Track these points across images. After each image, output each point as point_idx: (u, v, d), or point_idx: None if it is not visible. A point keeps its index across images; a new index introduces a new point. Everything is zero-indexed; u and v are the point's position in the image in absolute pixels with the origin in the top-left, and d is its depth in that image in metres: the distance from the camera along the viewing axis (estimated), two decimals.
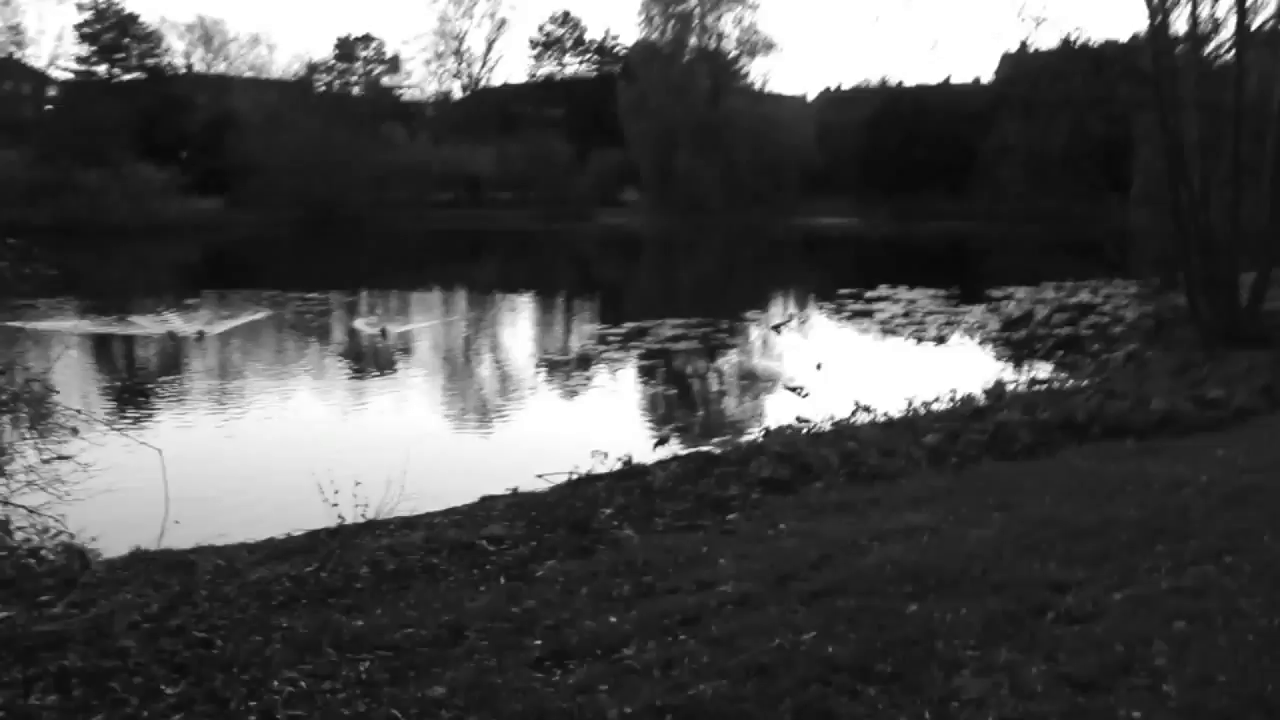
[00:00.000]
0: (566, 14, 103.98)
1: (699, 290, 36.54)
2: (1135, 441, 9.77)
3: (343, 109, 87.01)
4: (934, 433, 10.21)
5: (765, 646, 5.21)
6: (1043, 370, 17.34)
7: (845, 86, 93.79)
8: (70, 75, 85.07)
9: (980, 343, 20.99)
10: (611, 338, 22.28)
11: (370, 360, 19.88)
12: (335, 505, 8.60)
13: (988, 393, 13.30)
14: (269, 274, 42.02)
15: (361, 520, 8.52)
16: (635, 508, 8.34)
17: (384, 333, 22.06)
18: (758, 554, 6.73)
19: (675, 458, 10.80)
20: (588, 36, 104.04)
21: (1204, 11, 17.35)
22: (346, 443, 13.48)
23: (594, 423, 15.11)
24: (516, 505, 8.90)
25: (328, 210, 71.98)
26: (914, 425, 10.79)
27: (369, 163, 76.52)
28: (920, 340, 21.76)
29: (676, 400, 16.96)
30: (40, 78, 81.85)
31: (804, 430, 10.90)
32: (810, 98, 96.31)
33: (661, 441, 11.21)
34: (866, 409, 12.29)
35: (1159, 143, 17.41)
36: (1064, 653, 5.01)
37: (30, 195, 61.42)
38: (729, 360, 20.07)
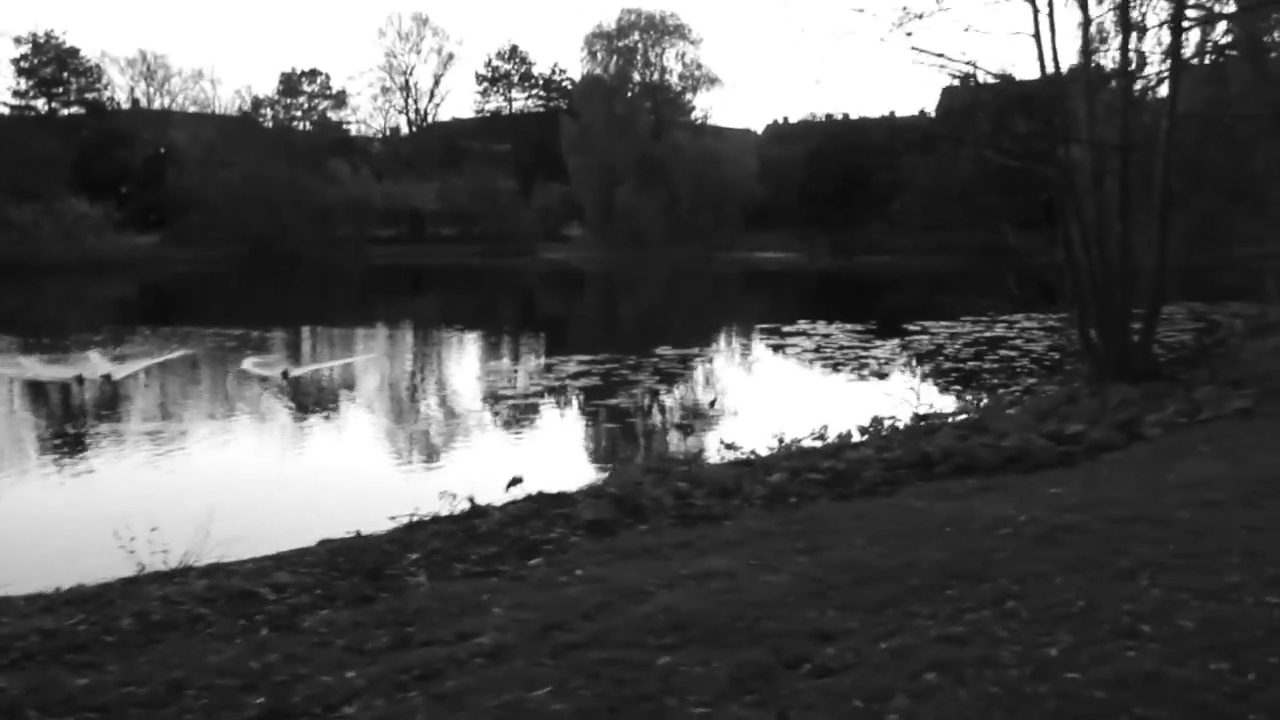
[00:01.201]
0: (514, 48, 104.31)
1: (624, 325, 36.46)
2: (980, 479, 9.59)
3: (286, 144, 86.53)
4: (781, 471, 9.98)
5: (491, 703, 4.94)
6: (939, 404, 17.20)
7: (793, 120, 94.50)
8: (5, 110, 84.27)
9: (879, 378, 20.86)
10: (522, 373, 22.05)
11: (256, 403, 19.39)
12: (133, 552, 8.30)
13: (862, 429, 13.12)
14: (201, 311, 41.70)
15: (164, 568, 8.21)
16: (445, 552, 8.03)
17: (285, 374, 21.55)
18: (537, 602, 6.45)
19: (526, 498, 10.49)
20: (535, 71, 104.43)
21: (1098, 47, 17.41)
22: (195, 487, 13.11)
23: (472, 461, 14.84)
24: (337, 550, 8.55)
25: (267, 246, 71.44)
26: (765, 463, 10.55)
27: (310, 198, 76.05)
28: (824, 374, 21.68)
29: (562, 438, 16.69)
30: None
31: (649, 469, 10.63)
32: (759, 131, 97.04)
33: (514, 482, 10.87)
34: (731, 446, 12.07)
35: (1051, 178, 17.39)
36: (798, 709, 4.75)
37: None
38: (629, 396, 19.85)
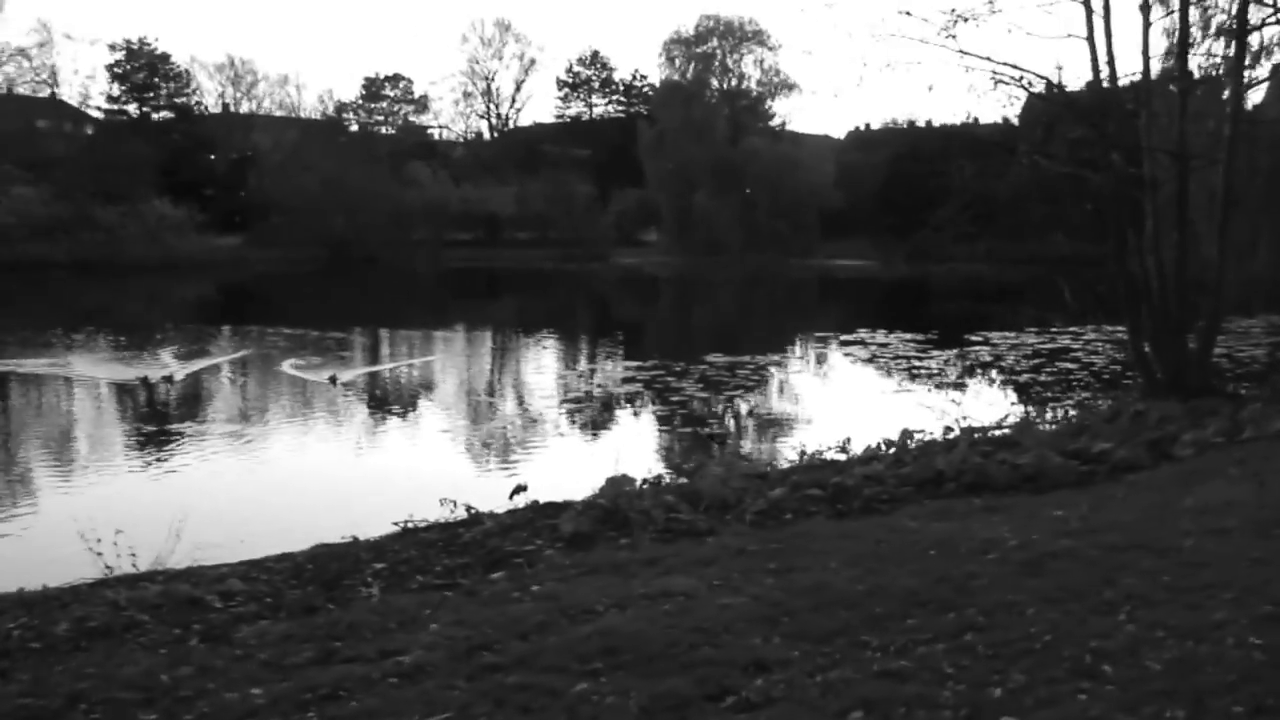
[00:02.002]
0: (595, 54, 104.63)
1: (683, 332, 36.11)
2: (988, 498, 9.15)
3: (367, 148, 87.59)
4: (785, 485, 9.62)
5: None
6: (983, 417, 16.61)
7: (874, 126, 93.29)
8: (101, 114, 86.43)
9: (931, 389, 20.26)
10: (572, 378, 21.85)
11: (299, 407, 19.33)
12: (100, 555, 8.19)
13: (889, 443, 12.66)
14: (277, 312, 42.24)
15: (135, 570, 8.11)
16: (413, 562, 7.82)
17: (333, 379, 21.43)
18: (478, 619, 6.18)
19: (526, 506, 10.25)
20: (616, 77, 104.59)
21: (1155, 49, 16.75)
22: (213, 489, 13.14)
23: (504, 466, 14.64)
24: (312, 557, 8.39)
25: (345, 249, 72.24)
26: (775, 477, 10.19)
27: (388, 201, 76.75)
28: (869, 385, 21.18)
29: (590, 445, 16.43)
30: (73, 116, 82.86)
31: (647, 481, 10.30)
32: (841, 137, 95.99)
33: (518, 490, 10.63)
34: (745, 458, 11.73)
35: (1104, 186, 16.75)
36: None
37: (47, 231, 62.22)
38: (664, 405, 19.56)
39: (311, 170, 76.73)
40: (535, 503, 9.99)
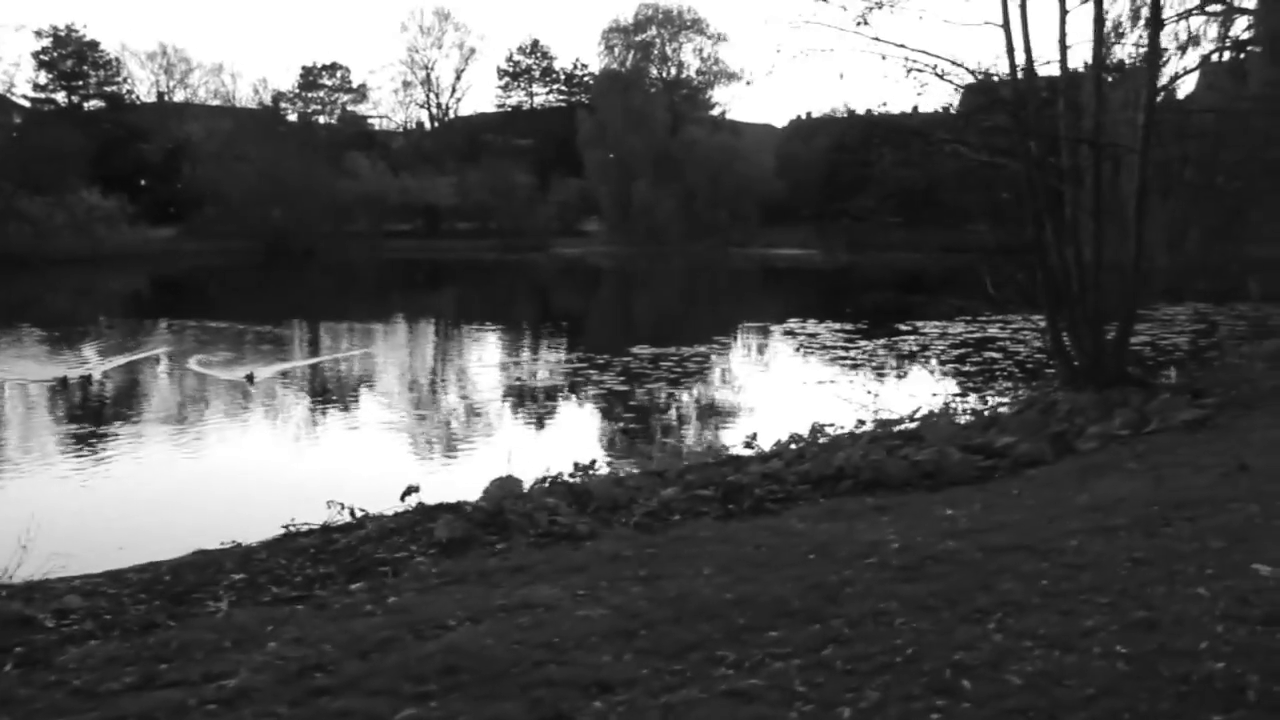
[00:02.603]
0: (535, 43, 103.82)
1: (611, 323, 35.81)
2: (881, 497, 8.92)
3: (304, 138, 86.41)
4: (676, 485, 9.33)
5: None
6: (902, 408, 16.43)
7: (816, 116, 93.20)
8: (28, 103, 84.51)
9: (853, 381, 20.06)
10: (498, 373, 21.49)
11: (211, 406, 18.71)
12: None
13: (796, 437, 12.43)
14: (208, 305, 41.50)
15: None
16: (274, 572, 7.44)
17: (250, 378, 20.74)
18: (319, 636, 5.82)
19: (415, 508, 9.88)
20: (557, 66, 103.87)
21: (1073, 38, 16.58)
22: (93, 493, 12.67)
23: (407, 463, 14.28)
24: (174, 568, 7.98)
25: (282, 240, 71.26)
26: (664, 475, 9.90)
27: (326, 192, 75.77)
28: (792, 377, 20.98)
29: (505, 440, 16.04)
30: None
31: (542, 480, 9.97)
32: (781, 126, 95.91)
33: (409, 491, 10.25)
34: (646, 457, 11.43)
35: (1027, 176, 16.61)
36: None
37: None
38: (582, 399, 19.22)
39: (247, 160, 75.59)
40: (421, 505, 9.63)
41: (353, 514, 9.65)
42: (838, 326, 28.53)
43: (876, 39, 15.50)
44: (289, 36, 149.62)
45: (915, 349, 24.40)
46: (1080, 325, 16.51)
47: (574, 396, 19.04)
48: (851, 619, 5.77)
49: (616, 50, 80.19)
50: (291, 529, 9.42)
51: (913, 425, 13.18)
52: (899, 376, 20.12)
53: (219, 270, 61.75)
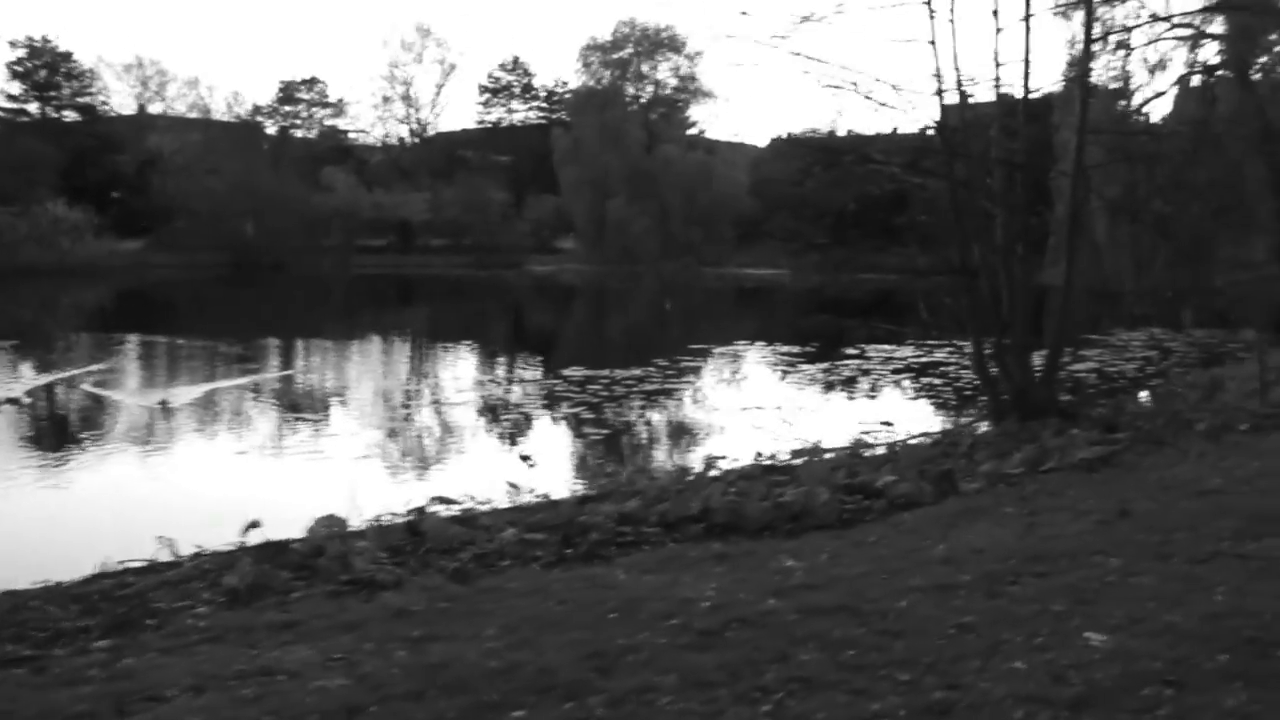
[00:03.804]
0: (516, 60, 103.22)
1: (555, 345, 35.12)
2: (732, 543, 8.23)
3: (279, 152, 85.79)
4: (518, 526, 8.63)
5: None
6: (827, 439, 15.73)
7: (795, 134, 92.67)
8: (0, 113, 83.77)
9: (776, 408, 19.29)
10: (425, 393, 20.79)
11: (112, 434, 17.86)
12: None
13: (682, 472, 11.76)
14: (165, 319, 40.85)
15: None
16: (29, 624, 6.71)
17: (164, 404, 19.63)
18: (4, 710, 5.13)
19: (238, 548, 9.06)
20: (537, 83, 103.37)
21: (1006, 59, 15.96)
22: None
23: (291, 492, 13.52)
24: None
25: (252, 254, 70.57)
26: (523, 510, 9.21)
27: (296, 206, 75.11)
28: (715, 403, 20.29)
29: (398, 466, 15.34)
30: None
31: (380, 517, 9.26)
32: (762, 146, 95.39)
33: (251, 526, 9.54)
34: (529, 490, 10.72)
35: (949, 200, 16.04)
36: None
37: None
38: (493, 422, 18.52)
39: (218, 173, 74.85)
40: (269, 542, 8.88)
41: (173, 552, 8.98)
42: (785, 349, 27.85)
43: (797, 54, 14.95)
44: (268, 51, 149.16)
45: (855, 374, 23.72)
46: (1007, 353, 15.90)
47: (485, 420, 18.33)
48: (614, 696, 5.07)
49: (594, 68, 79.78)
50: (108, 569, 8.75)
51: (830, 456, 12.55)
52: (826, 403, 19.38)
53: (183, 284, 61.02)
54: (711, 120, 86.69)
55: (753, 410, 18.80)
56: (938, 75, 15.78)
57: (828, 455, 12.12)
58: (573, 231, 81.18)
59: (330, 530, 8.47)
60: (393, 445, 16.99)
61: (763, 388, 22.74)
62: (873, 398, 21.22)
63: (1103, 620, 5.90)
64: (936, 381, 22.11)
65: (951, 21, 15.67)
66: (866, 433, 15.46)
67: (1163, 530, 7.68)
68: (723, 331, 33.24)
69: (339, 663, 5.67)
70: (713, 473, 11.00)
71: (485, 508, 10.11)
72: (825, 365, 25.00)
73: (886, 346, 26.58)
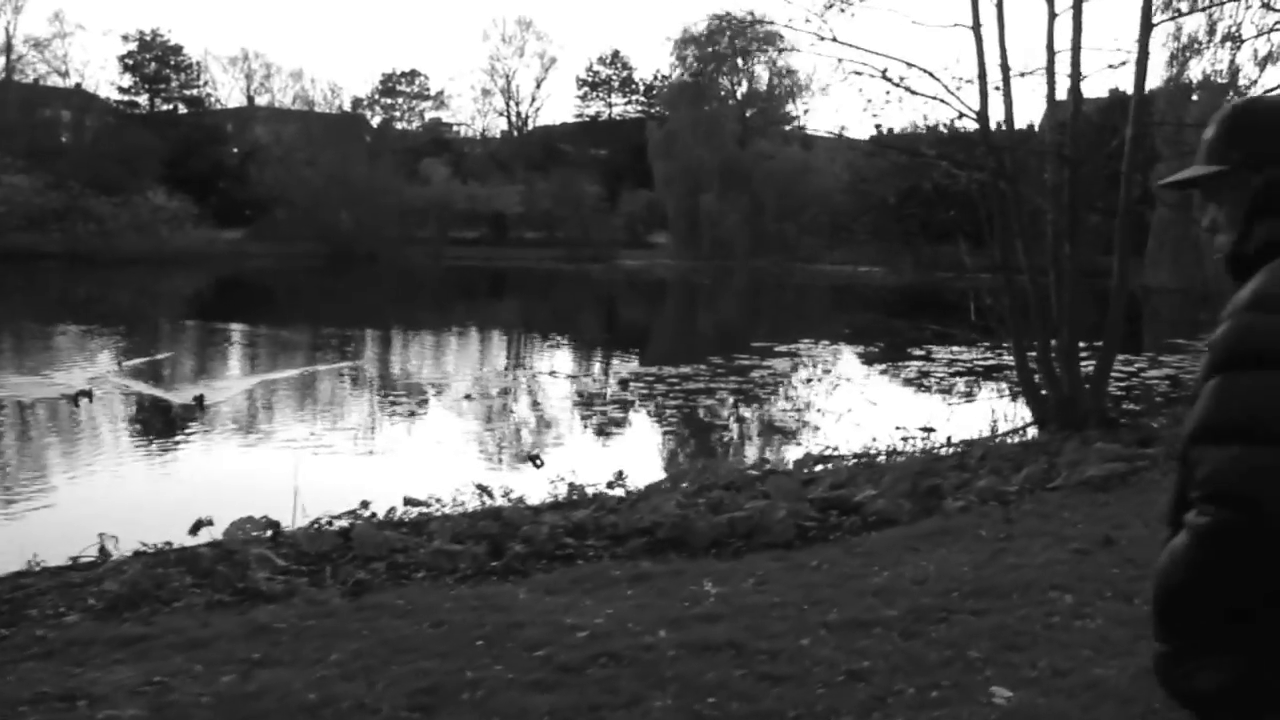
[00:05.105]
0: (615, 54, 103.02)
1: (631, 339, 34.49)
2: (668, 560, 7.55)
3: (377, 144, 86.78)
4: (447, 535, 8.07)
5: None
6: (853, 444, 14.88)
7: (896, 130, 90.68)
8: (113, 105, 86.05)
9: (811, 411, 18.39)
10: (477, 386, 20.46)
11: (139, 432, 17.60)
12: None
13: (675, 479, 11.09)
14: (253, 308, 41.41)
15: None
16: None
17: (199, 400, 19.17)
18: None
19: (154, 552, 8.57)
20: (636, 77, 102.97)
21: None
22: None
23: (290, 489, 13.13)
24: None
25: (347, 244, 71.36)
26: (445, 522, 8.65)
27: (394, 198, 75.84)
28: (752, 404, 19.49)
29: (393, 462, 14.86)
30: (81, 106, 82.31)
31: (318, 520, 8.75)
32: (865, 139, 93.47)
33: (200, 525, 9.14)
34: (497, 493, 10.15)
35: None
36: None
37: (39, 222, 61.68)
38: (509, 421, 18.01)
39: (316, 165, 75.90)
40: (216, 544, 8.44)
41: (101, 551, 8.61)
42: (848, 349, 26.88)
43: (820, 37, 14.15)
44: (371, 44, 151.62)
45: (913, 376, 22.70)
46: (1048, 358, 14.92)
47: (537, 417, 17.77)
48: None
49: (688, 60, 78.79)
50: (32, 567, 8.41)
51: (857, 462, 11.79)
52: (866, 407, 18.34)
53: (278, 273, 61.85)
54: (810, 114, 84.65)
55: (791, 413, 18.00)
56: (980, 61, 14.90)
57: (827, 464, 11.31)
58: (665, 226, 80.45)
59: (246, 534, 7.97)
60: (444, 436, 16.53)
61: (809, 390, 21.86)
62: (924, 401, 20.22)
63: (1020, 672, 5.13)
64: (1003, 385, 21.00)
65: (999, 6, 14.80)
66: (906, 439, 14.67)
67: (1142, 564, 6.78)
68: (792, 329, 32.27)
69: (153, 688, 5.15)
70: (684, 483, 10.27)
71: (443, 512, 9.55)
72: (886, 364, 24.01)
73: (956, 348, 25.44)
